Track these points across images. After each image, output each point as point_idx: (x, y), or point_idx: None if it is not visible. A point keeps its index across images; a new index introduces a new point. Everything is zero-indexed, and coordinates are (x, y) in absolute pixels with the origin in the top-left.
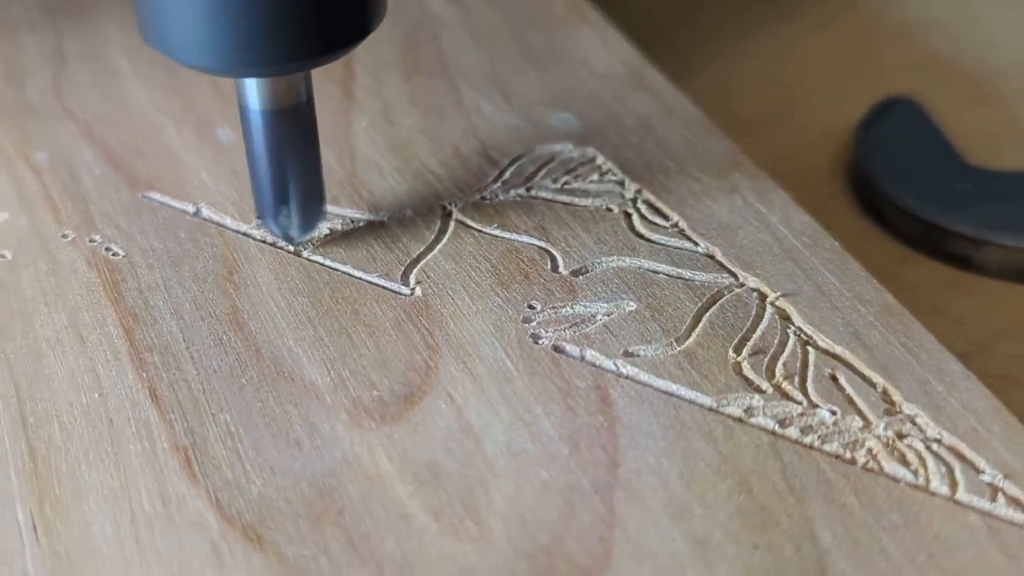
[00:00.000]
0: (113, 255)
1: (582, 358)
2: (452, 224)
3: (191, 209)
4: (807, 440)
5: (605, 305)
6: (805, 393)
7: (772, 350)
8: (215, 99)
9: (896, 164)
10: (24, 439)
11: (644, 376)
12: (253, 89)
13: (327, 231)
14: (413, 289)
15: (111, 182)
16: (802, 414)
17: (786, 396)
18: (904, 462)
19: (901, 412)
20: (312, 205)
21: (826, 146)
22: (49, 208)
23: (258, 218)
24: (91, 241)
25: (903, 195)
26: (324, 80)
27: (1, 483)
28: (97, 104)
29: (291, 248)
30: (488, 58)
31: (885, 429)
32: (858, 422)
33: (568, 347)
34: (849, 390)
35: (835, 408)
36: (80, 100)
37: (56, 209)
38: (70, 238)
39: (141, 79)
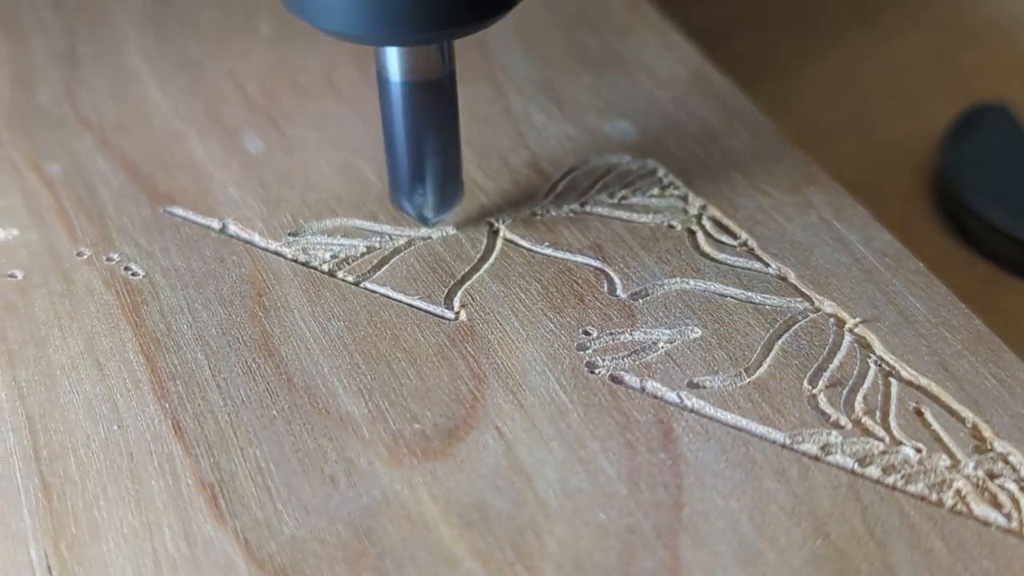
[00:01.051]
0: (132, 275)
1: (642, 389)
2: (500, 242)
3: (216, 225)
4: (889, 480)
5: (667, 331)
6: (887, 429)
7: (851, 381)
8: (242, 105)
9: (986, 177)
10: (38, 473)
11: (710, 409)
12: (394, 59)
13: (364, 249)
14: (458, 313)
15: (130, 196)
16: (884, 452)
17: (867, 432)
18: (996, 504)
19: (992, 450)
20: (448, 185)
21: (907, 158)
22: (63, 224)
23: (392, 198)
24: (108, 260)
25: (993, 211)
26: (359, 85)
27: (14, 521)
28: (114, 111)
29: (324, 268)
30: (538, 62)
31: (975, 468)
32: (945, 461)
33: (627, 377)
34: (935, 426)
35: (920, 445)
36: (95, 107)
37: (71, 225)
38: (86, 256)
39: (161, 84)
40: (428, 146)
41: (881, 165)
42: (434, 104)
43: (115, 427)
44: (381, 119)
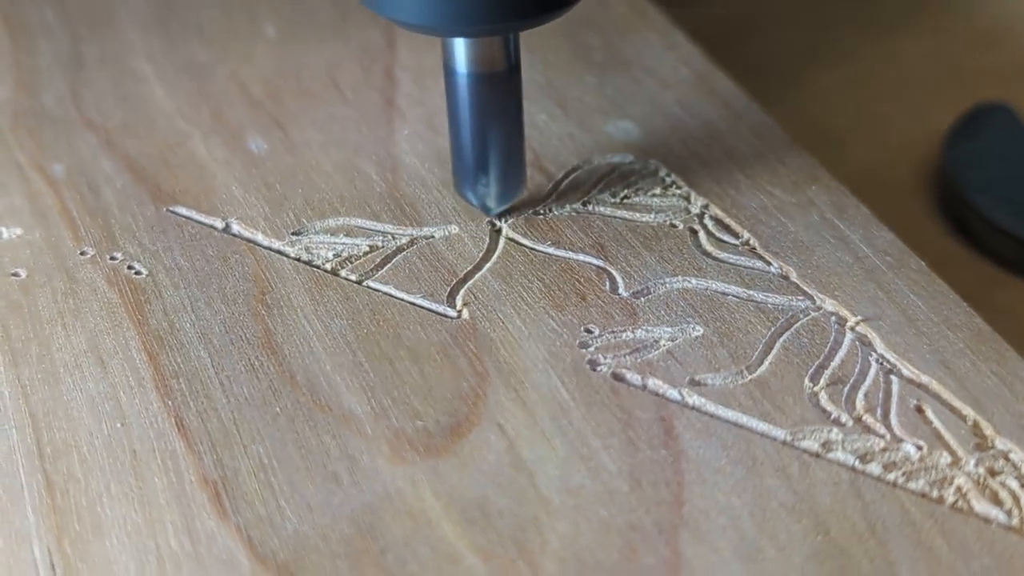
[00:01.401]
0: (136, 274)
1: (644, 387)
2: (502, 241)
3: (220, 224)
4: (890, 477)
5: (669, 330)
6: (888, 426)
7: (852, 379)
8: (246, 106)
9: (988, 177)
10: (41, 471)
11: (712, 407)
12: (461, 50)
13: (366, 248)
14: (460, 311)
15: (133, 195)
16: (885, 449)
17: (867, 429)
18: (996, 501)
19: (993, 447)
20: (512, 175)
21: (910, 158)
22: (67, 223)
23: (455, 186)
24: (112, 259)
25: (996, 211)
26: (363, 86)
27: (17, 519)
28: (118, 112)
29: (327, 267)
30: (541, 62)
31: (976, 466)
32: (946, 458)
33: (629, 375)
34: (936, 423)
35: (921, 443)
36: (100, 108)
37: (74, 224)
38: (89, 255)
39: (165, 85)
40: (492, 137)
41: (884, 164)
42: (499, 95)
43: (118, 424)
44: (447, 110)
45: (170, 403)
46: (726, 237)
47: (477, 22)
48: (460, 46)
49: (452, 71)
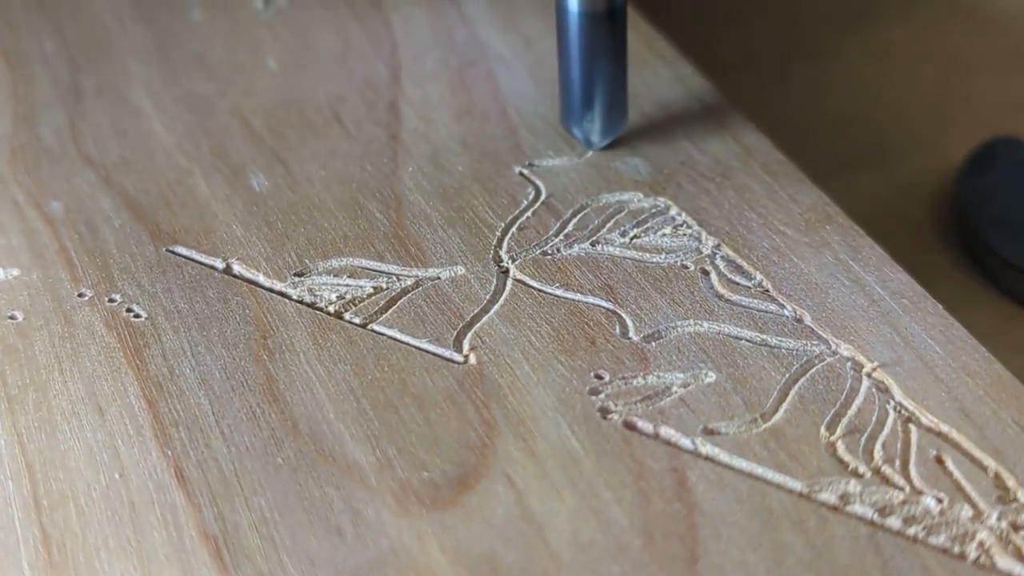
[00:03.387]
0: (135, 317)
1: (656, 436)
2: (509, 283)
3: (220, 265)
4: (911, 532)
5: (681, 375)
6: (907, 478)
7: (870, 428)
8: (247, 141)
9: (1002, 212)
10: (38, 524)
11: (726, 457)
12: None
13: (371, 290)
14: (467, 356)
15: (132, 234)
16: (904, 502)
17: (886, 481)
18: (1020, 557)
19: (1016, 500)
20: (615, 112)
21: (924, 191)
22: (64, 263)
23: (562, 122)
24: (110, 301)
25: (1011, 247)
26: (366, 121)
27: (12, 572)
28: (116, 147)
29: (330, 310)
30: (549, 97)
31: (998, 519)
32: (968, 511)
33: (640, 423)
34: (957, 474)
35: (942, 495)
36: (98, 142)
37: (72, 265)
38: (87, 297)
39: (165, 120)
40: (598, 75)
41: (897, 198)
42: (605, 35)
43: (116, 475)
44: (557, 48)
45: (169, 453)
46: (738, 279)
47: None
48: None
49: (564, 10)
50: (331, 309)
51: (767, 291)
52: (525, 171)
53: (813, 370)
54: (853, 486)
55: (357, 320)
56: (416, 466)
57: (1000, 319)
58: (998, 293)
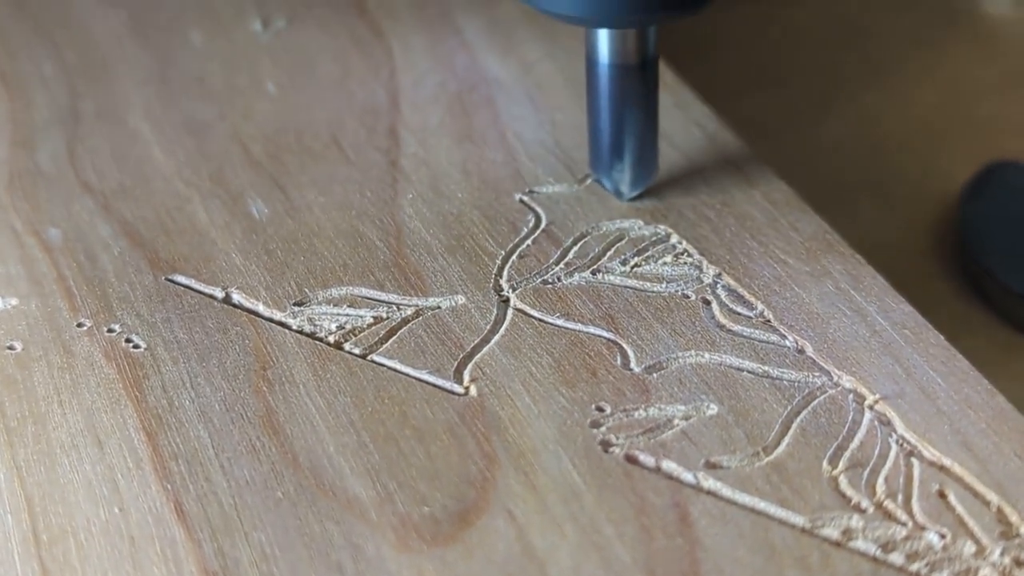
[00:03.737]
0: (134, 347)
1: (658, 469)
2: (510, 312)
3: (220, 294)
4: (914, 568)
5: (683, 408)
6: (910, 513)
7: (872, 462)
8: (247, 167)
9: (1003, 239)
10: (37, 558)
11: (728, 491)
12: (604, 41)
13: (371, 320)
14: (467, 388)
15: (131, 262)
16: (907, 537)
17: (889, 516)
18: None
19: (1019, 535)
20: (645, 162)
21: (924, 216)
22: (63, 292)
23: (591, 173)
24: (109, 331)
25: (1012, 275)
26: (366, 146)
27: None
28: (115, 173)
29: (330, 340)
30: (548, 123)
31: (1001, 555)
32: (971, 547)
33: (642, 457)
34: (960, 509)
35: (944, 530)
36: (96, 168)
37: (71, 294)
38: (86, 327)
39: (164, 145)
40: (629, 126)
41: (898, 224)
42: (636, 86)
43: (116, 509)
44: (587, 99)
45: (169, 487)
46: (740, 308)
47: (620, 14)
48: (603, 37)
49: (594, 62)
50: (331, 339)
51: (768, 321)
52: (525, 198)
53: (815, 402)
54: (856, 521)
55: (357, 351)
56: (417, 500)
57: (1001, 347)
58: (999, 320)
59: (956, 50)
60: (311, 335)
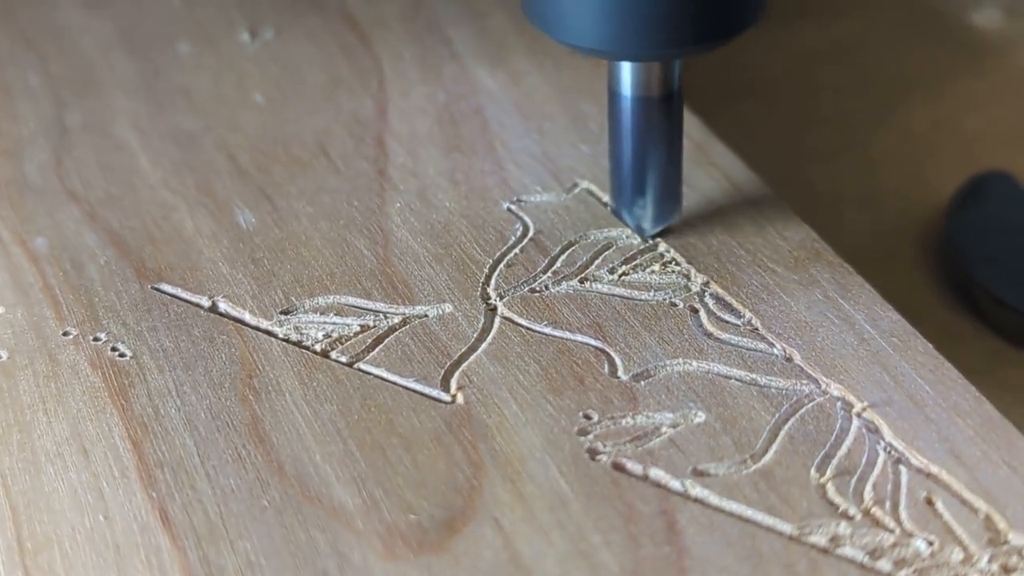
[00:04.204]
0: (120, 356)
1: (645, 477)
2: (497, 320)
3: (206, 303)
4: (901, 574)
5: (670, 416)
6: (898, 520)
7: (860, 469)
8: (233, 177)
9: (991, 249)
10: (22, 567)
11: (716, 499)
12: (627, 74)
13: (357, 328)
14: (454, 396)
15: (117, 272)
16: (895, 544)
17: (877, 523)
18: None
19: (1007, 543)
20: (668, 198)
21: (912, 227)
22: (49, 301)
23: (612, 208)
24: (95, 340)
25: (999, 284)
26: (354, 156)
27: None
28: (102, 183)
29: (317, 348)
30: (536, 132)
31: (989, 562)
32: (958, 554)
33: (630, 464)
34: (947, 516)
35: (932, 537)
36: (83, 178)
37: (56, 303)
38: (72, 336)
39: (151, 155)
40: (651, 160)
41: (885, 234)
42: (659, 120)
43: (101, 517)
44: (608, 132)
45: (154, 495)
46: (728, 316)
47: (641, 47)
48: (625, 71)
49: (616, 94)
50: (317, 348)
51: (756, 329)
52: (513, 207)
53: (803, 410)
54: (843, 528)
55: (344, 359)
56: (403, 509)
57: (989, 356)
58: (987, 329)
59: (945, 62)
60: (297, 344)
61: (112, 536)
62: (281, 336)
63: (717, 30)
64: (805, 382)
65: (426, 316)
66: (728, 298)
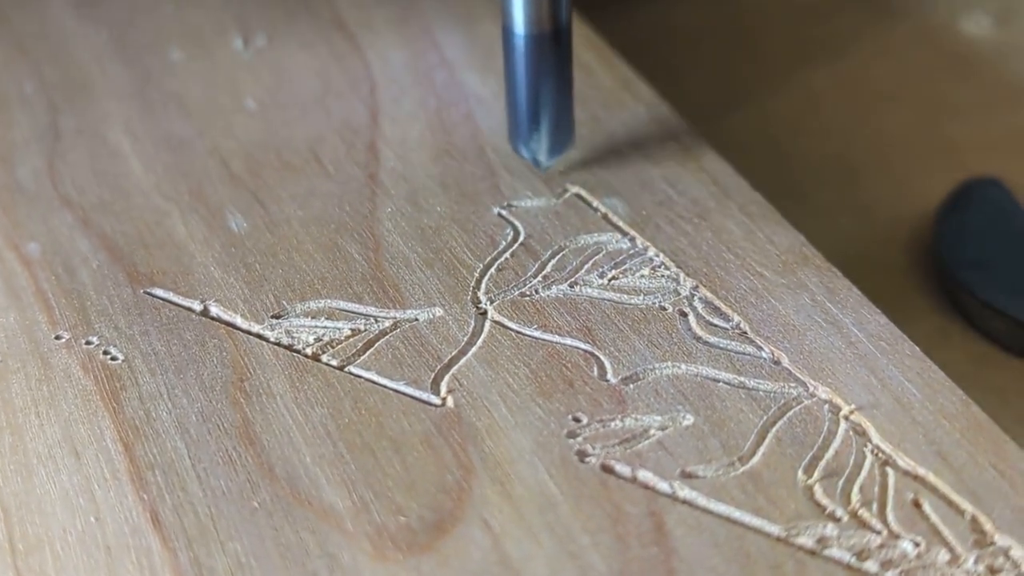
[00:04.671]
0: (112, 359)
1: (634, 479)
2: (487, 324)
3: (198, 307)
4: (888, 575)
5: (659, 418)
6: (884, 521)
7: (847, 471)
8: (226, 182)
9: (980, 254)
10: (13, 568)
11: (703, 501)
12: (520, 10)
13: (348, 332)
14: (444, 399)
15: (110, 276)
16: (882, 546)
17: (864, 525)
18: None
19: (993, 544)
20: (562, 131)
21: (901, 232)
22: (41, 305)
23: (510, 143)
24: (87, 343)
25: (987, 289)
26: (345, 161)
27: None
28: (95, 188)
29: (308, 352)
30: None
31: (975, 563)
32: (945, 555)
33: (618, 467)
34: (934, 518)
35: (919, 539)
36: (76, 183)
37: (49, 306)
38: (64, 339)
39: (144, 160)
40: (544, 95)
41: (874, 240)
42: (551, 55)
43: (92, 519)
44: (504, 69)
45: (145, 497)
46: (716, 320)
47: None
48: (518, 6)
49: (510, 31)
50: (308, 351)
51: (745, 333)
52: (503, 212)
53: (791, 413)
54: (831, 530)
55: (335, 362)
56: (393, 510)
57: (977, 360)
58: (975, 334)
59: (934, 69)
60: (289, 347)
61: (103, 538)
62: (272, 340)
63: None
64: (793, 385)
65: (416, 320)
66: (717, 302)
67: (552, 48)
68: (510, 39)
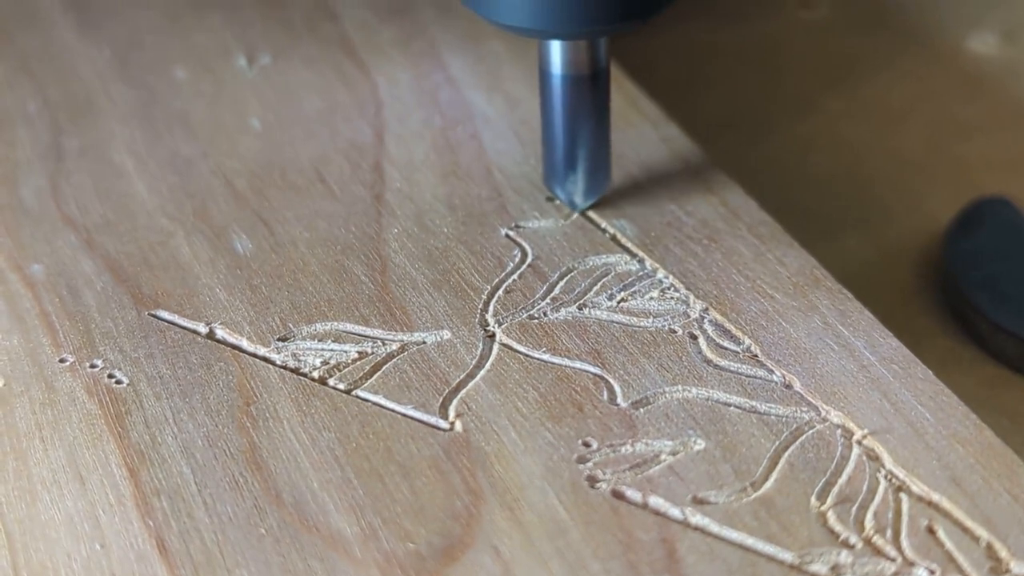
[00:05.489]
0: (116, 383)
1: (645, 505)
2: (496, 347)
3: (203, 329)
4: None
5: (670, 443)
6: (899, 548)
7: (861, 497)
8: (230, 203)
9: (990, 274)
10: None
11: (716, 527)
12: (556, 53)
13: (355, 355)
14: (453, 423)
15: (114, 298)
16: (896, 573)
17: (878, 552)
18: None
19: (1009, 571)
20: (598, 172)
21: (911, 253)
22: (45, 328)
23: (545, 183)
24: (92, 367)
25: (998, 311)
26: (351, 181)
27: None
28: (98, 208)
29: (315, 375)
30: (534, 157)
31: None
32: None
33: (629, 492)
34: (949, 545)
35: (934, 566)
36: (80, 204)
37: (53, 329)
38: (68, 363)
39: (148, 181)
40: (581, 136)
41: (884, 260)
42: (589, 97)
43: (97, 546)
44: (540, 111)
45: (151, 523)
46: (727, 343)
47: (568, 25)
48: (555, 48)
49: (547, 73)
50: (315, 375)
51: (756, 356)
52: (511, 233)
53: (803, 437)
54: (844, 557)
55: (342, 386)
56: (401, 537)
57: (989, 382)
58: (986, 356)
59: (942, 87)
60: (295, 370)
61: (109, 565)
62: (279, 363)
63: (640, 8)
64: (805, 409)
65: (424, 343)
66: (727, 325)
67: (590, 90)
68: (548, 80)
